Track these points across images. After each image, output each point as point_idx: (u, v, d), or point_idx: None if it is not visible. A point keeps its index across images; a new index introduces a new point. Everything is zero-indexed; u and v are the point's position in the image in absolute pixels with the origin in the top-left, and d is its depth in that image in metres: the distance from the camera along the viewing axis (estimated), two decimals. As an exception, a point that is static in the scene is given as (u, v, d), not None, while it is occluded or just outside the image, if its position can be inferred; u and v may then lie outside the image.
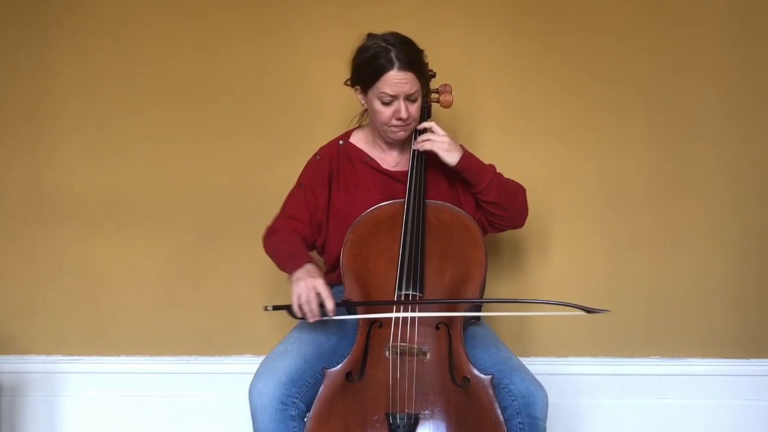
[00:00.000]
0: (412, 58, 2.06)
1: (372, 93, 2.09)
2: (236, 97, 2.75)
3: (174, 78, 2.75)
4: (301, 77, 2.73)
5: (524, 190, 2.22)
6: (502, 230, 2.25)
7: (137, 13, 2.75)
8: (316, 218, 2.19)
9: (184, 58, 2.75)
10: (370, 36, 2.10)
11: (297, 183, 2.23)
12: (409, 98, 2.08)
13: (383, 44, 2.06)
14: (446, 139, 2.11)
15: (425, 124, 2.15)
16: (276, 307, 2.00)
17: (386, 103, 2.08)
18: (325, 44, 2.68)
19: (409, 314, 1.95)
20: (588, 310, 1.90)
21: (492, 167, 2.16)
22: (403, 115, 2.07)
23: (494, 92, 2.71)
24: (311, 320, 1.95)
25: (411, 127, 2.14)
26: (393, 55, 2.04)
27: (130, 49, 2.75)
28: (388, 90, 2.05)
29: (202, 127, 2.75)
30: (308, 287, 1.94)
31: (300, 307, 1.95)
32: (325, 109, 2.66)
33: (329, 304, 1.94)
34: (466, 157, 2.12)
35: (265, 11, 2.74)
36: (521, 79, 2.72)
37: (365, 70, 2.08)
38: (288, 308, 1.97)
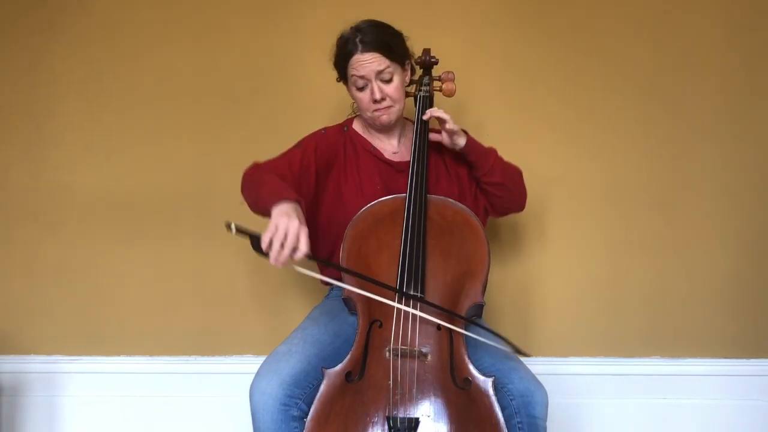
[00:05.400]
0: (376, 39, 2.07)
1: (349, 82, 2.12)
2: (236, 96, 2.74)
3: (173, 76, 2.74)
4: (303, 76, 2.73)
5: (521, 172, 2.23)
6: (505, 213, 2.27)
7: (134, 11, 2.75)
8: (303, 180, 2.11)
9: (183, 57, 2.74)
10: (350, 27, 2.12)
11: (296, 144, 2.21)
12: (382, 78, 2.09)
13: (353, 31, 2.09)
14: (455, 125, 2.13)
15: (434, 112, 2.13)
16: (240, 230, 1.75)
17: (360, 88, 2.10)
18: (326, 43, 2.67)
19: (403, 307, 1.91)
20: (519, 352, 1.94)
21: (493, 149, 2.18)
22: (377, 95, 2.08)
23: (495, 91, 2.71)
24: (277, 262, 1.76)
25: (393, 110, 2.14)
26: (358, 39, 2.07)
27: (128, 47, 2.75)
28: (356, 72, 2.07)
29: (202, 126, 2.75)
30: (292, 227, 1.77)
31: (271, 242, 1.76)
32: (326, 107, 2.65)
33: (303, 247, 1.76)
34: (470, 139, 2.16)
35: (266, 7, 2.74)
36: (523, 76, 2.72)
37: (338, 60, 2.13)
38: (254, 236, 1.75)
